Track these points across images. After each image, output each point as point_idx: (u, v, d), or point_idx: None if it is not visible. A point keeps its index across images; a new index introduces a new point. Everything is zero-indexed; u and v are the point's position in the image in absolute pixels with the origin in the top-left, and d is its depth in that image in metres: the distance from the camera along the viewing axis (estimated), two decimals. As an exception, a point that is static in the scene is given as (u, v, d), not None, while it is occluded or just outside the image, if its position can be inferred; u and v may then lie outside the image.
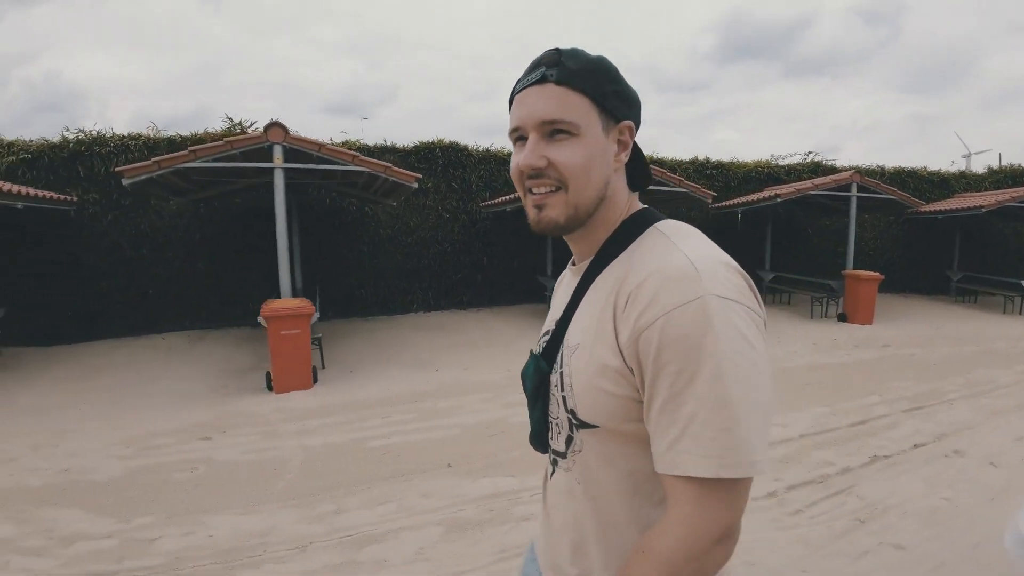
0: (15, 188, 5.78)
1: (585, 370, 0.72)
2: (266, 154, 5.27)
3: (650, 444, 0.68)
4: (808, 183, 8.78)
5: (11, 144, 7.23)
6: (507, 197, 8.04)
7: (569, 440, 0.78)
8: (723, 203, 9.47)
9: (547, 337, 0.84)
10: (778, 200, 8.30)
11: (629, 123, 0.77)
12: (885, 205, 9.65)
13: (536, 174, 0.73)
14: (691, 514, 0.63)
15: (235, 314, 8.09)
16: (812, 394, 4.97)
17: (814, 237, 11.17)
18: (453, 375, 5.73)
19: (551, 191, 0.74)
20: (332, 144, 6.72)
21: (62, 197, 6.84)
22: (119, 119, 29.94)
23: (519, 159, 0.74)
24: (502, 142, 9.77)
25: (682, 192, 7.75)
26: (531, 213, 0.77)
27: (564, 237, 0.80)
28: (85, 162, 7.41)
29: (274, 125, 5.07)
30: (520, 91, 0.75)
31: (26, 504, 3.12)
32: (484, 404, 4.77)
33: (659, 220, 0.78)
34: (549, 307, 0.97)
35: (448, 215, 9.25)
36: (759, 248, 10.57)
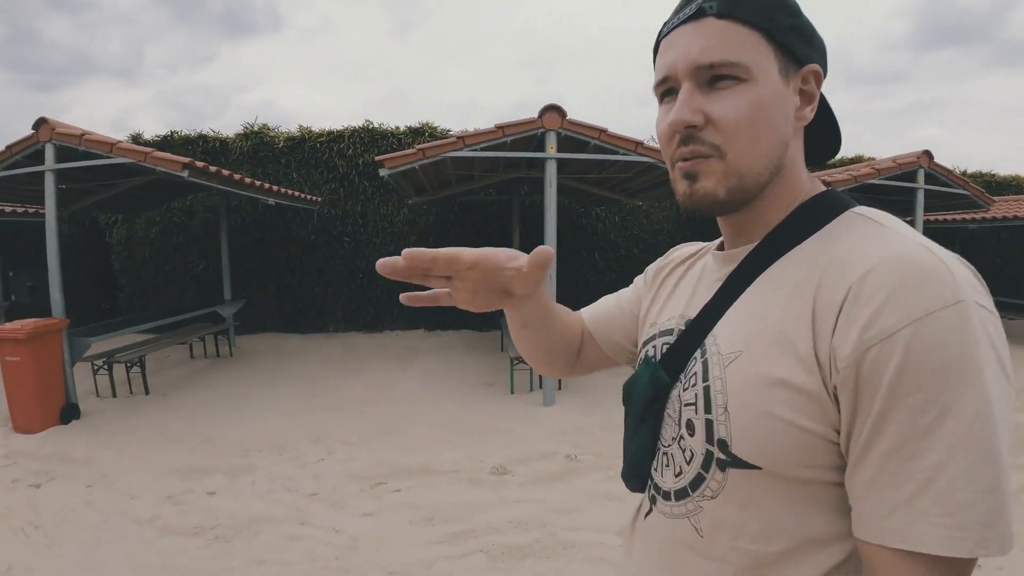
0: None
1: (751, 388, 0.54)
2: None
3: (848, 500, 0.51)
4: None
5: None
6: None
7: (699, 480, 0.59)
8: None
9: (668, 339, 0.66)
10: None
11: (816, 67, 0.58)
12: None
13: (690, 135, 0.56)
14: None
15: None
16: None
17: None
18: None
19: (704, 157, 0.56)
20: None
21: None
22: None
23: (668, 116, 0.57)
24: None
25: None
26: (680, 186, 0.59)
27: (719, 218, 0.64)
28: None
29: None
30: (669, 32, 0.59)
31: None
32: None
33: (854, 204, 0.59)
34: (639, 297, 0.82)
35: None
36: None
